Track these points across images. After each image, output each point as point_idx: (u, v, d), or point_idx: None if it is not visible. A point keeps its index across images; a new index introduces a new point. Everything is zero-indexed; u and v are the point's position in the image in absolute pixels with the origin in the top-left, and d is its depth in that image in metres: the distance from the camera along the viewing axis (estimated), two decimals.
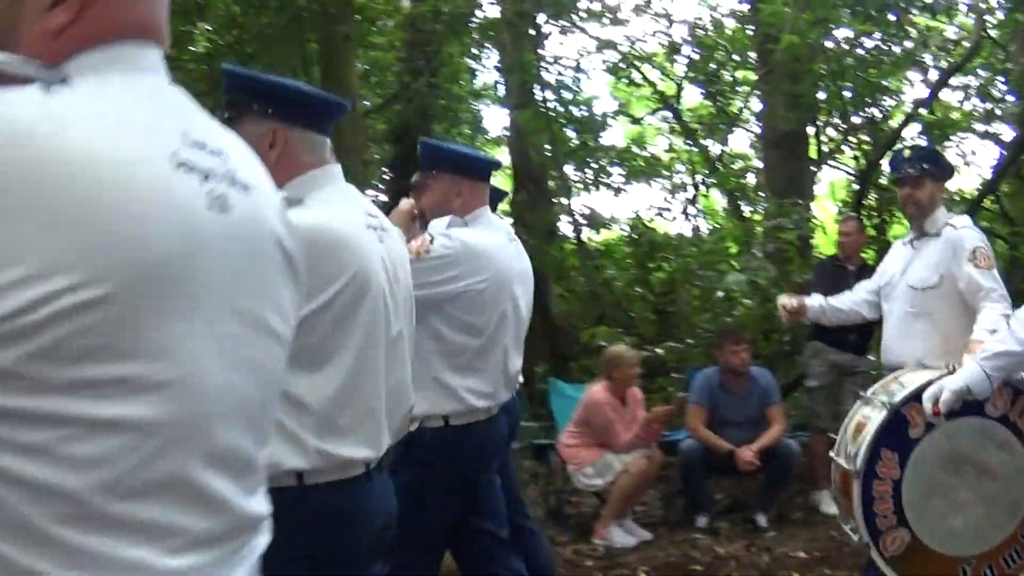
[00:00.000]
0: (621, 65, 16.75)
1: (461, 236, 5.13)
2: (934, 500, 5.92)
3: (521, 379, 6.52)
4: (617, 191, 16.96)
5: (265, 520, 1.89)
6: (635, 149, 18.20)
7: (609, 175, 17.05)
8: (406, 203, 5.59)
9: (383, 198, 19.08)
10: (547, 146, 16.07)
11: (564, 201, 16.70)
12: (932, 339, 6.52)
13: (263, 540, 1.88)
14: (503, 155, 20.91)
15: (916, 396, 5.88)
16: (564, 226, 17.15)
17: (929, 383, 5.84)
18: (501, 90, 19.29)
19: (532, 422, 12.07)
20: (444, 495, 5.13)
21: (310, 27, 15.14)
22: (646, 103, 18.68)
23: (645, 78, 17.12)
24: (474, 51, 19.02)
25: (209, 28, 17.63)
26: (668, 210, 16.50)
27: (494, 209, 6.78)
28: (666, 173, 17.90)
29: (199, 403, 1.63)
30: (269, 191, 1.92)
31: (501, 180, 23.67)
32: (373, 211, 3.61)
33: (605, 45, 16.38)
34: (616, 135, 19.18)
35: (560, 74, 16.56)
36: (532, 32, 16.76)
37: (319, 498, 3.25)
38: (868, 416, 6.17)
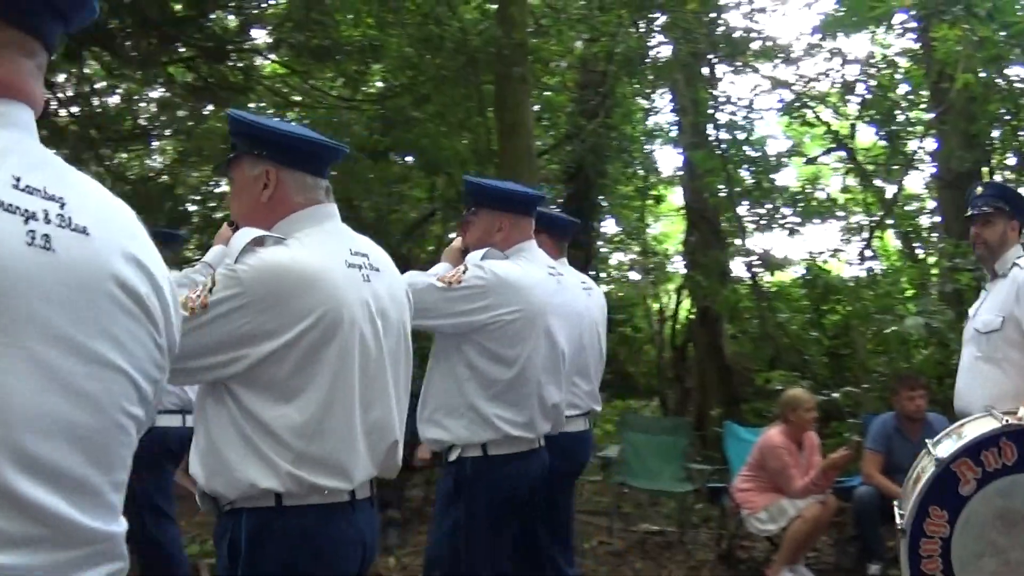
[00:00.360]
0: (794, 104, 16.63)
1: (494, 268, 5.22)
2: (985, 560, 5.68)
3: (598, 407, 6.92)
4: (791, 232, 16.81)
5: (115, 540, 2.06)
6: (809, 189, 18.03)
7: (783, 216, 16.89)
8: (457, 241, 5.82)
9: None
10: (721, 186, 15.97)
11: (738, 242, 16.58)
12: (1000, 385, 6.22)
13: (118, 564, 2.07)
14: (676, 195, 20.85)
15: (966, 451, 5.69)
16: (737, 267, 17.05)
17: (981, 438, 5.67)
18: (674, 130, 19.25)
19: (706, 465, 12.03)
20: (493, 525, 5.25)
21: (485, 68, 15.23)
22: (820, 142, 18.52)
23: (818, 117, 16.97)
24: (647, 91, 18.99)
25: (384, 69, 17.86)
26: (843, 251, 16.30)
27: (566, 239, 7.20)
28: (840, 214, 17.71)
29: (4, 415, 1.81)
30: (117, 236, 2.08)
31: (674, 221, 23.68)
32: (363, 250, 3.76)
33: (778, 84, 16.28)
34: (788, 175, 19.04)
35: (733, 114, 16.47)
36: (705, 72, 16.70)
37: (298, 520, 3.42)
38: (925, 469, 6.00)
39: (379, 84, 18.78)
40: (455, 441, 5.21)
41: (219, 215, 19.05)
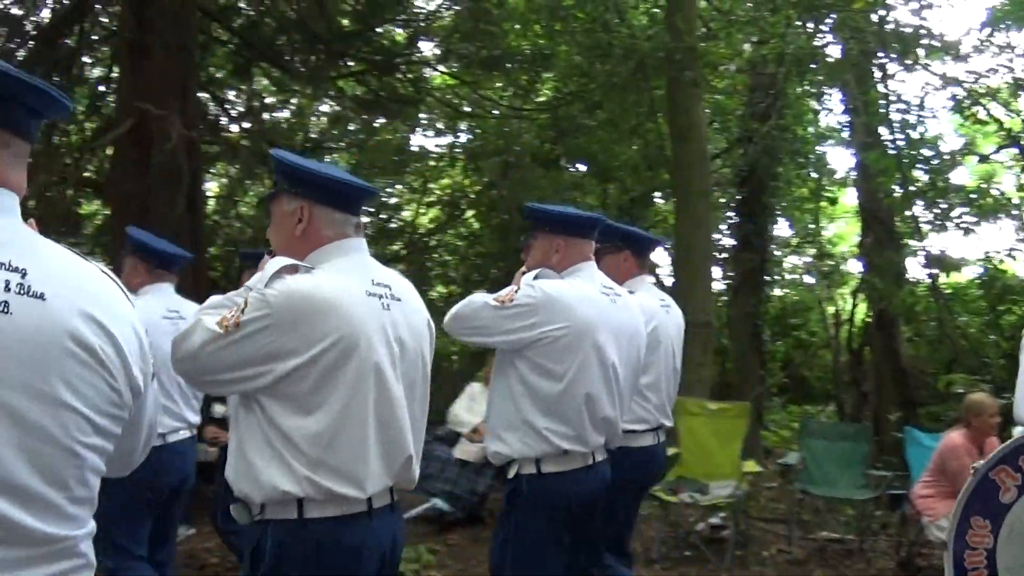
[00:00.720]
0: (965, 102, 16.31)
1: (543, 286, 5.48)
2: None
3: (669, 423, 7.08)
4: (966, 231, 16.47)
5: (70, 541, 2.52)
6: (984, 187, 17.67)
7: (959, 215, 16.56)
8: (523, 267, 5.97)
9: (726, 242, 19.04)
10: (895, 186, 15.73)
11: (913, 243, 16.31)
12: None
13: (76, 561, 2.55)
14: (850, 196, 20.57)
15: (1004, 458, 5.48)
16: (913, 268, 16.79)
17: (1017, 443, 5.45)
18: (846, 131, 18.99)
19: (885, 471, 11.86)
20: (544, 540, 5.50)
21: (655, 73, 15.19)
22: (993, 140, 18.15)
23: (990, 114, 16.62)
24: (817, 92, 18.78)
25: (553, 77, 17.88)
26: (1019, 251, 15.93)
27: (647, 256, 7.33)
28: (1015, 212, 17.32)
29: None
30: (75, 299, 2.53)
31: (849, 223, 23.37)
32: (386, 281, 4.12)
33: (949, 82, 16.00)
34: (962, 174, 18.67)
35: (905, 112, 16.19)
36: (876, 71, 16.47)
37: (318, 531, 3.80)
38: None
39: (549, 93, 18.83)
40: (514, 455, 5.49)
41: (393, 226, 19.25)
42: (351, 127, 17.97)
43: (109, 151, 13.90)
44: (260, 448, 3.79)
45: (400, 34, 16.27)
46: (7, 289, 2.39)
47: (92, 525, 2.60)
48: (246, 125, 16.30)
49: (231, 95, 17.41)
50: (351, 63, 15.48)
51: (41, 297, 2.44)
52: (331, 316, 3.76)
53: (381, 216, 19.46)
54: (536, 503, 5.43)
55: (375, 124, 17.82)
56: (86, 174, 15.29)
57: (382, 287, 4.05)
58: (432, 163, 19.94)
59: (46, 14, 14.98)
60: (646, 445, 6.80)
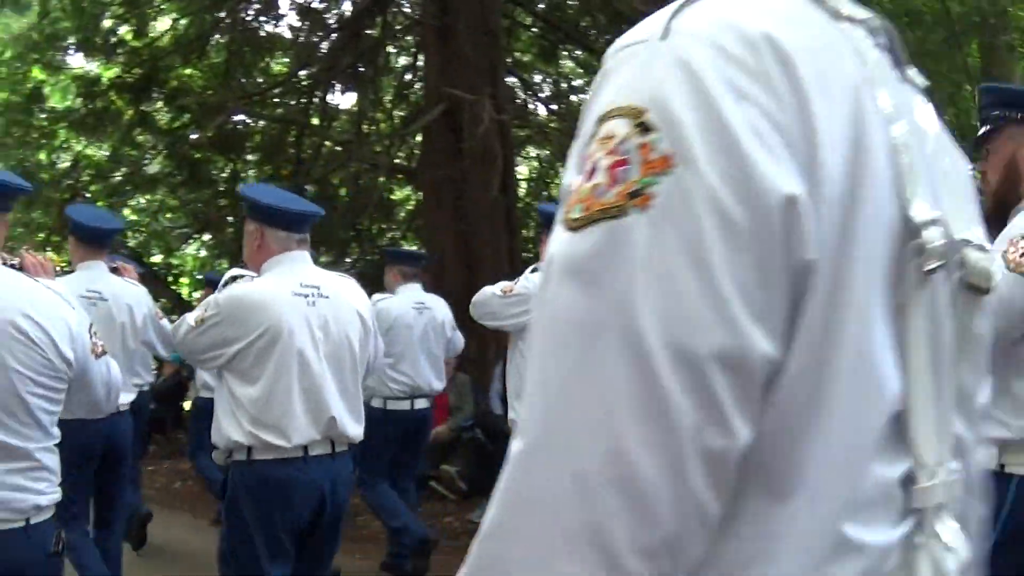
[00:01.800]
0: None
1: (536, 280, 6.15)
2: None
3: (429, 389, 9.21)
4: None
5: (19, 450, 3.93)
6: None
7: None
8: None
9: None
10: None
11: None
12: None
13: (23, 464, 3.95)
14: None
15: None
16: None
17: None
18: None
19: None
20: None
21: (968, 40, 14.74)
22: None
23: None
24: None
25: None
26: None
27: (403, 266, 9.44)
28: None
29: None
30: (18, 303, 3.94)
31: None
32: (315, 283, 5.43)
33: None
34: None
35: None
36: None
37: (261, 468, 5.18)
38: None
39: None
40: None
41: None
42: None
43: (419, 137, 14.18)
44: (224, 409, 5.25)
45: None
46: None
47: (48, 443, 4.05)
48: (554, 107, 16.45)
49: (538, 78, 17.68)
50: None
51: None
52: (260, 312, 5.16)
53: None
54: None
55: None
56: (397, 161, 15.71)
57: (310, 288, 5.37)
58: None
59: (348, 6, 15.59)
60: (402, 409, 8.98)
